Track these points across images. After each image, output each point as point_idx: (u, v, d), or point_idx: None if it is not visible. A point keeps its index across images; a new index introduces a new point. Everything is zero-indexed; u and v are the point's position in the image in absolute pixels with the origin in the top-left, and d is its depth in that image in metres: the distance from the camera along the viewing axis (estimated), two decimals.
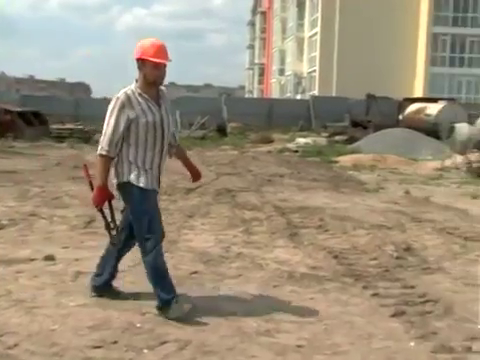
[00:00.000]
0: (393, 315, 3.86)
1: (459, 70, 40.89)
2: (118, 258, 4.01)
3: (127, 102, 3.55)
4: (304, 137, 22.82)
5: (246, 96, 66.59)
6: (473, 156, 14.67)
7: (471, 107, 25.33)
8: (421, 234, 6.51)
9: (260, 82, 64.65)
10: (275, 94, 54.01)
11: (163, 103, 3.73)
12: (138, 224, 3.67)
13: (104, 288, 4.02)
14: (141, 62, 3.59)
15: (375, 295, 4.27)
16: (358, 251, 5.62)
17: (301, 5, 46.34)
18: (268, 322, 3.68)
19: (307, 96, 38.45)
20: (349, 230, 6.58)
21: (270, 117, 30.37)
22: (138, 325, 3.55)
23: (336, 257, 5.32)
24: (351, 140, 20.95)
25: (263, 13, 63.50)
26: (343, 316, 3.85)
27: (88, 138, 20.38)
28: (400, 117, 23.89)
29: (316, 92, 40.12)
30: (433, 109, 21.43)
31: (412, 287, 4.48)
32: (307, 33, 45.23)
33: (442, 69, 40.47)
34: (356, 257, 5.39)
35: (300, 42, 46.46)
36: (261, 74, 64.14)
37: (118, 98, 3.56)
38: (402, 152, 16.55)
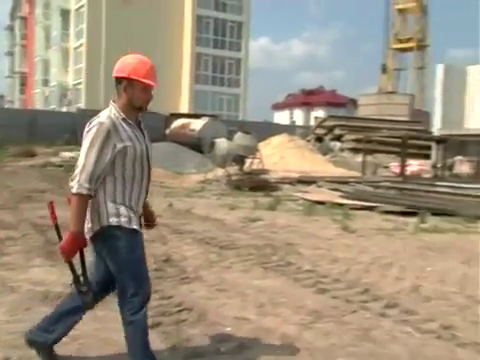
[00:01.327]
0: (150, 327, 3.88)
1: (220, 89, 43.98)
2: (77, 320, 3.27)
3: (113, 129, 2.88)
4: (70, 151, 22.10)
5: (6, 106, 62.06)
6: (232, 169, 15.81)
7: (231, 124, 27.27)
8: (181, 245, 6.74)
9: (22, 92, 61.04)
10: (39, 105, 51.42)
11: (145, 130, 3.16)
12: (125, 276, 2.97)
13: (45, 348, 3.24)
14: (128, 82, 3.01)
15: None
16: None
17: (65, 14, 45.00)
18: (14, 349, 3.40)
19: (73, 109, 37.39)
20: None
21: (33, 130, 28.81)
22: None
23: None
24: None
25: (23, 18, 60.21)
26: (99, 333, 3.77)
27: None
28: (167, 131, 24.67)
29: (83, 105, 39.26)
30: (197, 124, 22.58)
31: (169, 297, 4.59)
32: (73, 44, 44.08)
33: (205, 87, 43.08)
34: None
35: (65, 52, 45.05)
36: (23, 84, 60.61)
37: (102, 124, 2.86)
38: (168, 166, 17.09)
